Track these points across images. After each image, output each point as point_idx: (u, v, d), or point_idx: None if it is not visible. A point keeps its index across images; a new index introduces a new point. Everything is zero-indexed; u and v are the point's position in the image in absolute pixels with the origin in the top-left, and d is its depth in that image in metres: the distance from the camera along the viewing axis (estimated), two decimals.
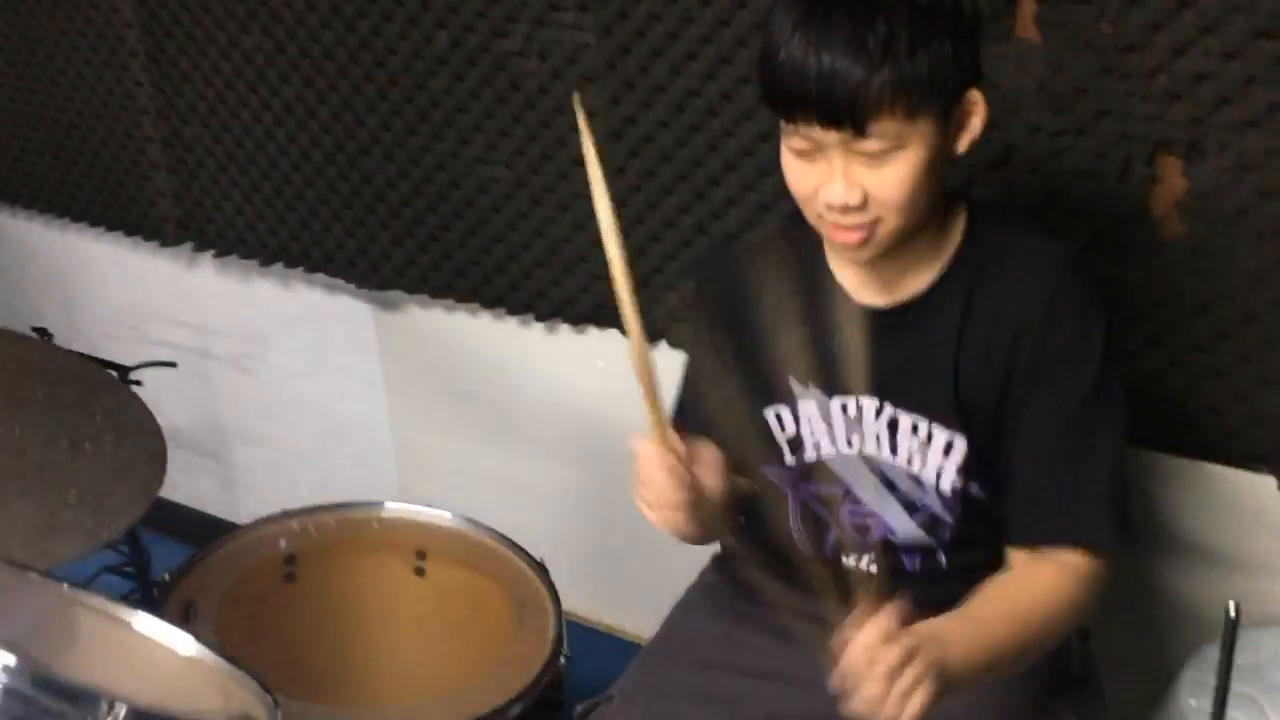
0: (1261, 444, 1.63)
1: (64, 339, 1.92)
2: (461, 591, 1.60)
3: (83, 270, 2.74)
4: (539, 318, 2.14)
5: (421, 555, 1.62)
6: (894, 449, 1.41)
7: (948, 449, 1.38)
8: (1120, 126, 1.56)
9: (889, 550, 1.45)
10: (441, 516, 1.63)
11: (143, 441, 1.36)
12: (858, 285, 1.40)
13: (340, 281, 2.34)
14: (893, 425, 1.40)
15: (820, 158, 1.27)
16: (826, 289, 1.41)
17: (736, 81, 1.79)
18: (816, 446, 1.45)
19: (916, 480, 1.42)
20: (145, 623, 1.17)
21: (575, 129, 1.91)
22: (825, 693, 1.21)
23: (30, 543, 1.17)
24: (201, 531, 2.30)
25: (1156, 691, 1.58)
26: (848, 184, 1.26)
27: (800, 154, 1.29)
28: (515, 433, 2.31)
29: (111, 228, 2.59)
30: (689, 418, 1.46)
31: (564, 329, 2.15)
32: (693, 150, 1.87)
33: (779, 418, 1.46)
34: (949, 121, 1.29)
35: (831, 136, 1.25)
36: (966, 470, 1.39)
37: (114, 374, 1.63)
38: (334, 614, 1.65)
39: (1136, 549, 1.38)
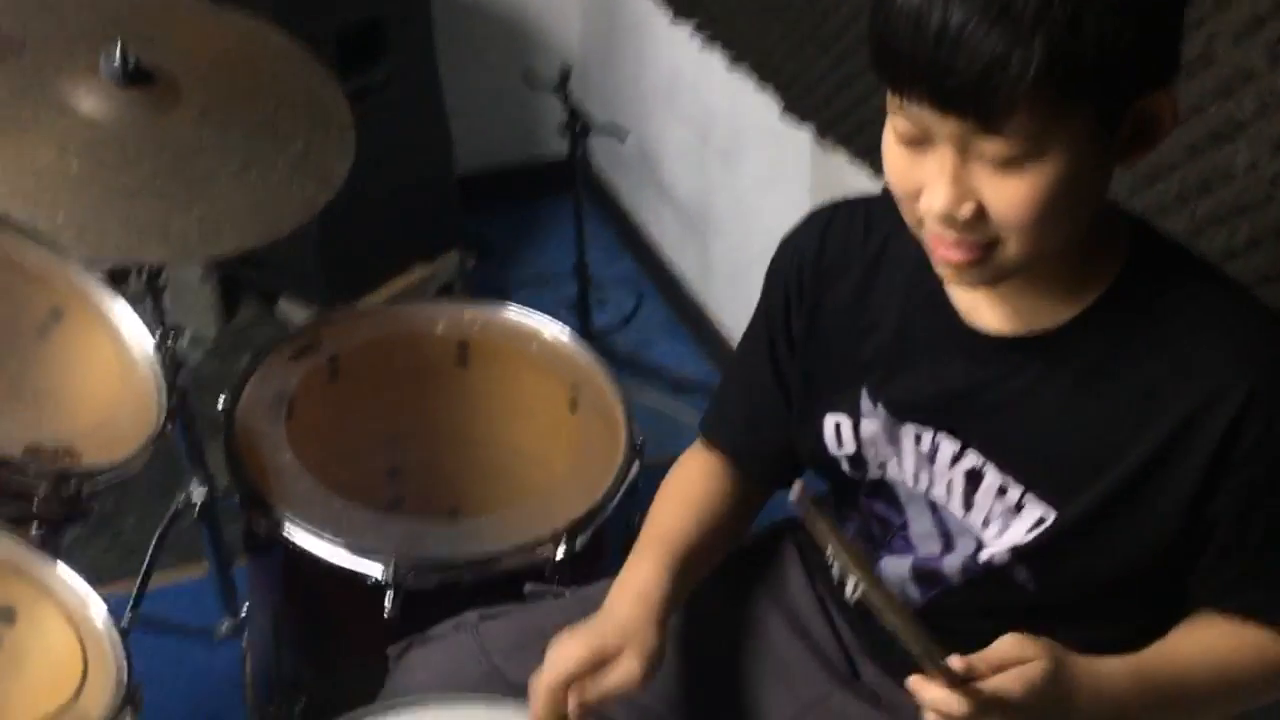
0: None
1: None
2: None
3: None
4: None
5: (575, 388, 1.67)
6: (968, 505, 1.11)
7: (1036, 525, 1.07)
8: None
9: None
10: None
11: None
12: (973, 301, 1.08)
13: None
14: (973, 477, 1.10)
15: (931, 150, 0.95)
16: (929, 297, 1.10)
17: None
18: (883, 466, 1.16)
19: (978, 545, 1.11)
20: None
21: None
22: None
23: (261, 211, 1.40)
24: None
25: None
26: (957, 191, 0.94)
27: (905, 139, 0.96)
28: None
29: None
30: (722, 424, 1.30)
31: None
32: None
33: (838, 429, 1.17)
34: (1115, 127, 0.93)
35: (947, 125, 0.91)
36: (1027, 551, 1.08)
37: None
38: (500, 415, 1.74)
39: None
